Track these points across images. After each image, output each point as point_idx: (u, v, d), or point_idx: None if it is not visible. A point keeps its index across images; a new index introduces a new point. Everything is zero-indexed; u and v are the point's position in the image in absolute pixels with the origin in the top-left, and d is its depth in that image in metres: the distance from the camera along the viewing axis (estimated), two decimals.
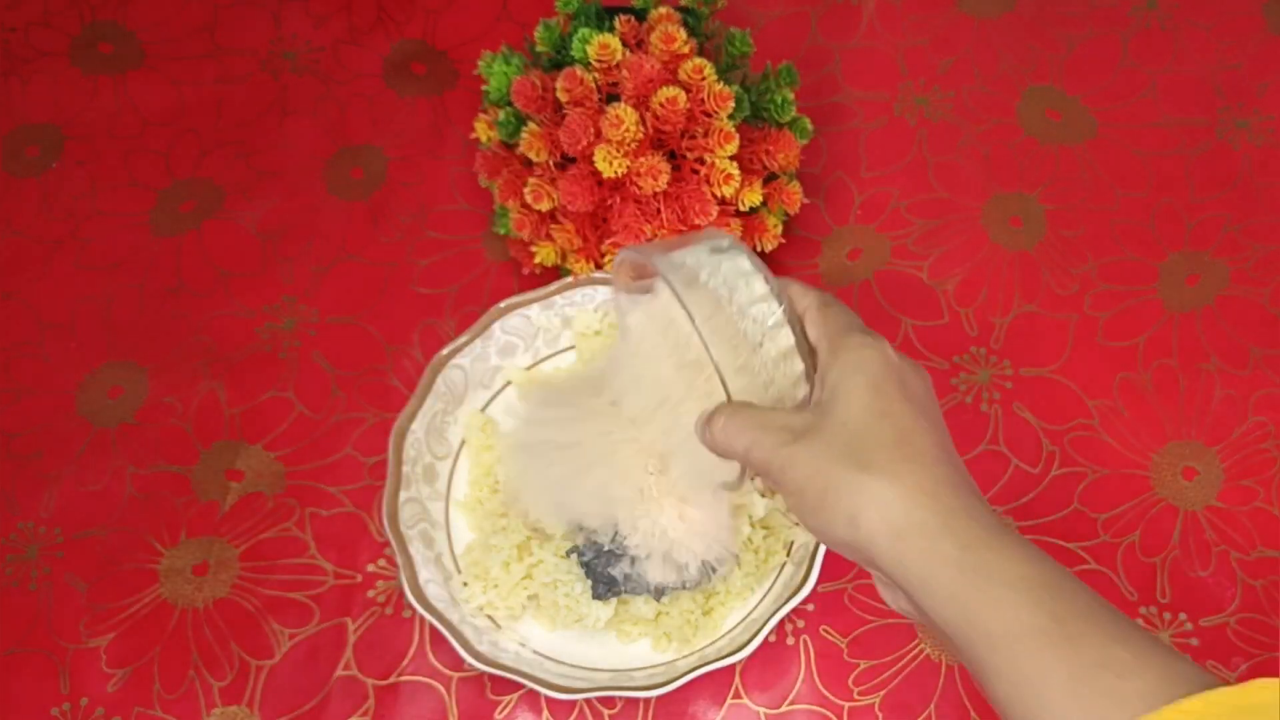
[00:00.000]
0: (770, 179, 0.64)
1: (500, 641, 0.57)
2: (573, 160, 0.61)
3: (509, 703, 0.58)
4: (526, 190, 0.61)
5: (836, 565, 0.60)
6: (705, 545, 0.56)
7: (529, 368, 0.64)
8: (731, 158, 0.59)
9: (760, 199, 0.62)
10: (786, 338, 0.42)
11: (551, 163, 0.62)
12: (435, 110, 0.75)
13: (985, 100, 0.74)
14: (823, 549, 0.57)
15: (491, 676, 0.57)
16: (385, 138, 0.74)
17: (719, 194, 0.60)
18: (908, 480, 0.37)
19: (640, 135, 0.58)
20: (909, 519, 0.37)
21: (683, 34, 0.59)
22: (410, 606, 0.58)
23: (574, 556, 0.57)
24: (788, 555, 0.59)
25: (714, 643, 0.57)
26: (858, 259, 0.69)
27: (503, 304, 0.62)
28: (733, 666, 0.57)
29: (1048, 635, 0.34)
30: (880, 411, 0.39)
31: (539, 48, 0.64)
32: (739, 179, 0.60)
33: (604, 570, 0.56)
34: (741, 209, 0.61)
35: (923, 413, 0.39)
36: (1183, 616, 0.59)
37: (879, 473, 0.37)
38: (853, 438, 0.38)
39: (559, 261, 0.64)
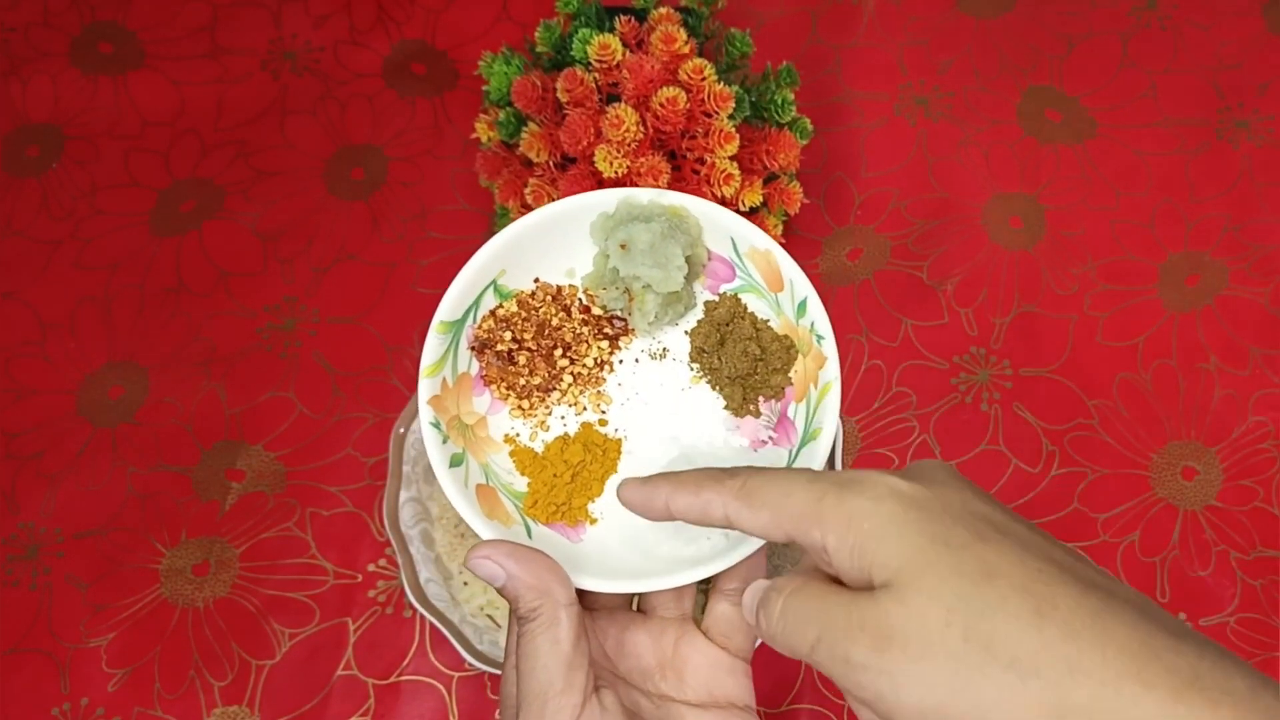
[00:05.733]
0: (770, 179, 0.64)
1: (501, 641, 0.57)
2: (573, 160, 0.61)
3: None
4: (527, 190, 0.61)
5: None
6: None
7: None
8: (732, 158, 0.59)
9: (760, 199, 0.62)
10: None
11: (552, 163, 0.62)
12: (435, 110, 0.75)
13: (985, 100, 0.74)
14: None
15: (492, 676, 0.57)
16: (385, 138, 0.74)
17: (719, 194, 0.60)
18: (1091, 667, 0.27)
19: (640, 135, 0.58)
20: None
21: (683, 34, 0.60)
22: (411, 606, 0.58)
23: None
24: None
25: None
26: (858, 259, 0.69)
27: None
28: None
29: None
30: (980, 573, 0.29)
31: (539, 48, 0.64)
32: (739, 179, 0.60)
33: None
34: (741, 209, 0.61)
35: (1021, 543, 0.30)
36: (1182, 616, 0.59)
37: (1048, 671, 0.27)
38: (969, 630, 0.28)
39: None
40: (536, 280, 0.44)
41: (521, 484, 0.43)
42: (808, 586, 0.32)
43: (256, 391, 0.66)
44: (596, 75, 0.60)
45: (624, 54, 0.59)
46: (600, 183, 0.60)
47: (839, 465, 0.59)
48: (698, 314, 0.44)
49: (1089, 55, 0.75)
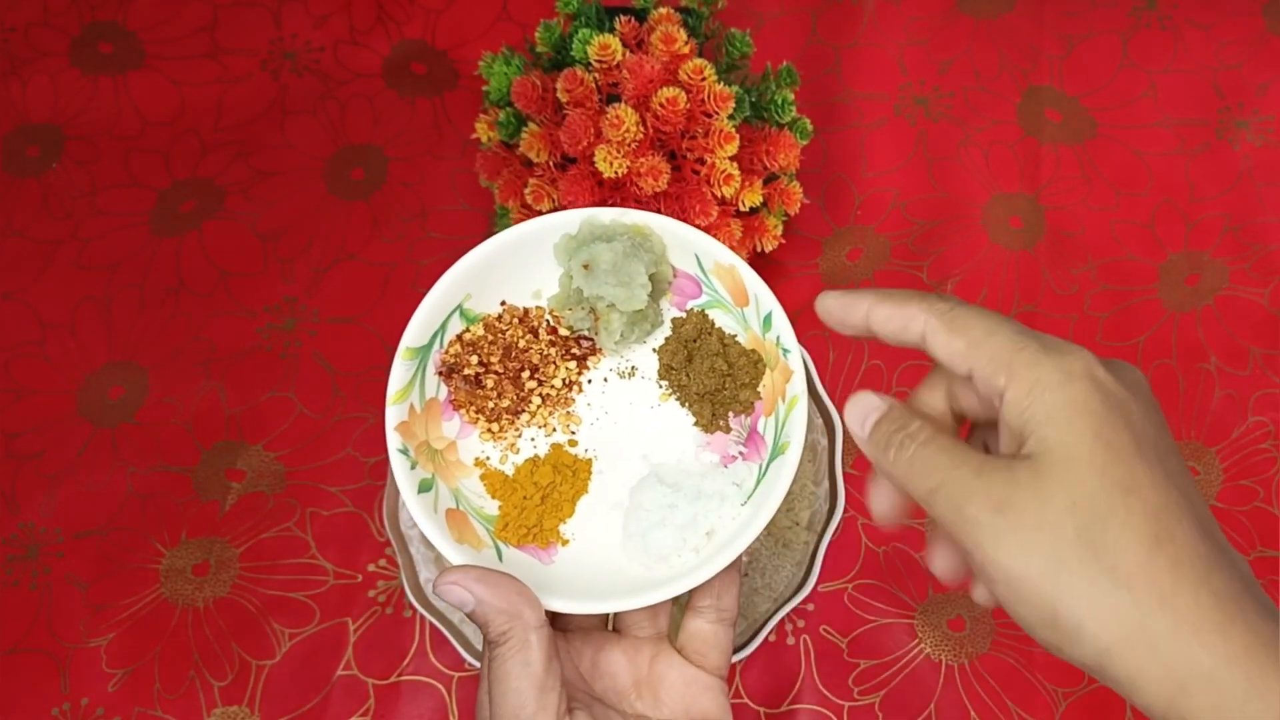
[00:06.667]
0: (770, 179, 0.64)
1: None
2: (573, 160, 0.61)
3: None
4: (527, 191, 0.61)
5: (836, 565, 0.60)
6: None
7: None
8: (732, 158, 0.59)
9: (760, 199, 0.62)
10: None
11: (552, 163, 0.62)
12: (435, 110, 0.75)
13: (985, 100, 0.74)
14: (823, 549, 0.57)
15: None
16: (385, 138, 0.74)
17: (719, 194, 0.60)
18: (1181, 604, 0.28)
19: (640, 136, 0.58)
20: (1194, 666, 0.27)
21: (683, 34, 0.60)
22: (411, 606, 0.58)
23: None
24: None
25: None
26: (858, 259, 0.69)
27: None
28: (733, 666, 0.57)
29: None
30: (1121, 484, 0.29)
31: (539, 48, 0.64)
32: (739, 179, 0.60)
33: None
34: (741, 209, 0.61)
35: (1169, 475, 0.30)
36: None
37: (1140, 591, 0.28)
38: (1086, 526, 0.29)
39: None
40: (503, 303, 0.44)
41: (492, 507, 0.43)
42: (939, 439, 0.33)
43: (256, 391, 0.66)
44: (596, 75, 0.60)
45: (624, 54, 0.59)
46: (600, 183, 0.60)
47: (839, 468, 0.59)
48: (665, 331, 0.44)
49: (1089, 55, 0.75)
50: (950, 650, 0.58)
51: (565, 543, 0.43)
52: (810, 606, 0.60)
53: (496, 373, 0.43)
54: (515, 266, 0.44)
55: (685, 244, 0.43)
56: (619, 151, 0.58)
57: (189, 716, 0.58)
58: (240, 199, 0.72)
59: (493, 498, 0.43)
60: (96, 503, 0.63)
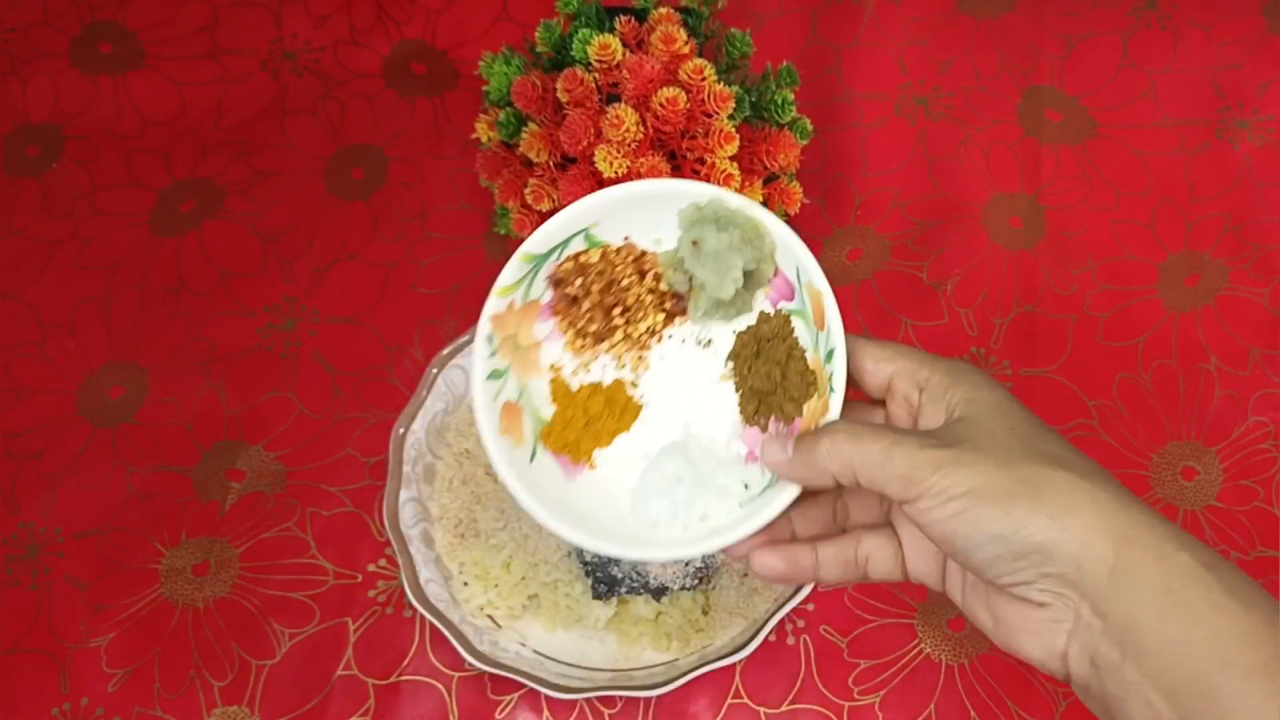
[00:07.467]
0: (770, 179, 0.64)
1: (500, 641, 0.57)
2: (573, 160, 0.61)
3: (509, 702, 0.58)
4: (527, 190, 0.61)
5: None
6: None
7: None
8: (732, 158, 0.59)
9: (760, 199, 0.62)
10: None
11: (552, 163, 0.62)
12: (435, 110, 0.75)
13: (985, 100, 0.74)
14: None
15: (492, 676, 0.57)
16: (385, 138, 0.74)
17: None
18: (1111, 485, 0.34)
19: (640, 135, 0.58)
20: (1134, 524, 0.33)
21: (683, 34, 0.60)
22: (411, 606, 0.58)
23: (574, 556, 0.57)
24: None
25: (714, 643, 0.57)
26: (858, 259, 0.69)
27: None
28: (733, 666, 0.57)
29: None
30: (1038, 424, 0.37)
31: (539, 48, 0.64)
32: (739, 179, 0.60)
33: (604, 570, 0.56)
34: None
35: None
36: None
37: (1081, 472, 0.35)
38: (1027, 441, 0.36)
39: None
40: (626, 238, 0.46)
41: (548, 411, 0.45)
42: (864, 426, 0.38)
43: (256, 391, 0.66)
44: (596, 75, 0.60)
45: (624, 54, 0.59)
46: (600, 183, 0.60)
47: None
48: (751, 320, 0.46)
49: (1089, 55, 0.75)
50: (950, 650, 0.58)
51: (593, 467, 0.45)
52: (810, 606, 0.60)
53: (593, 300, 0.46)
54: (648, 212, 0.46)
55: (791, 254, 0.44)
56: (619, 151, 0.58)
57: (189, 716, 0.58)
58: (240, 199, 0.72)
59: (552, 403, 0.45)
60: (96, 503, 0.63)
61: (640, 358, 0.46)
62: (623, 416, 0.46)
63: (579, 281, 0.46)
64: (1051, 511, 0.34)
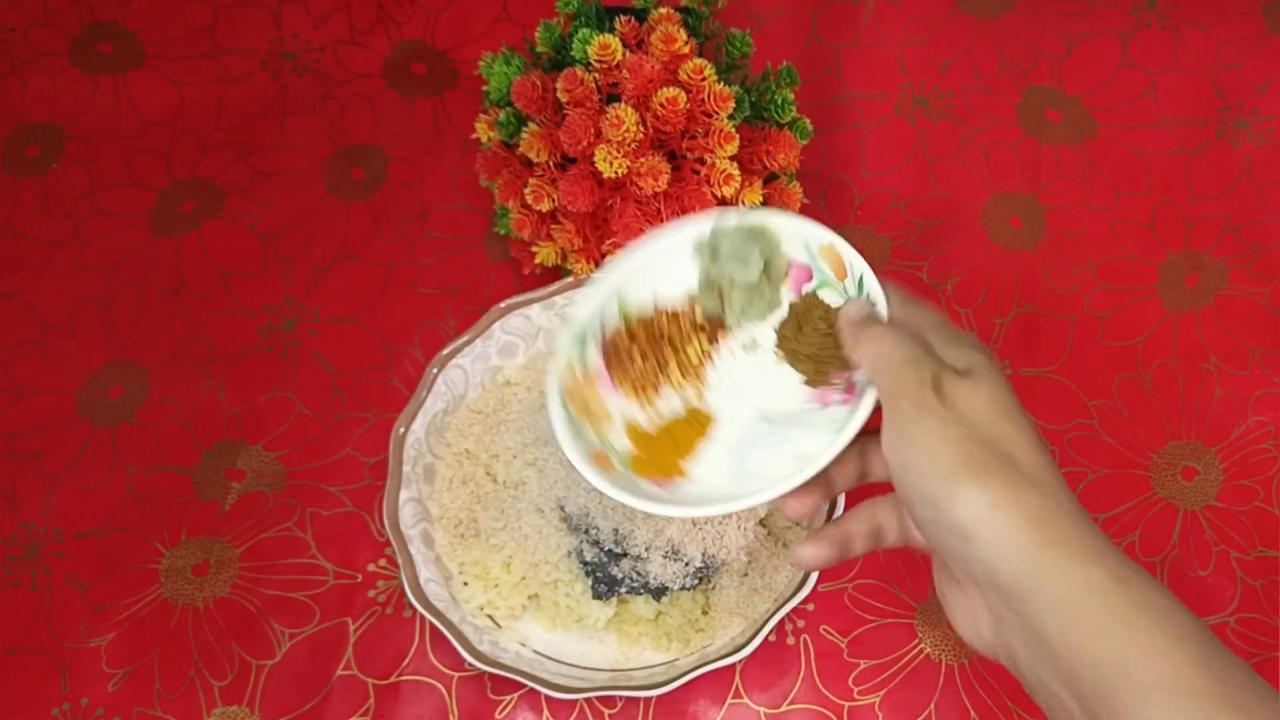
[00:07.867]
0: (770, 179, 0.64)
1: (500, 641, 0.57)
2: (573, 160, 0.61)
3: (509, 702, 0.58)
4: (527, 191, 0.61)
5: (836, 565, 0.60)
6: (707, 544, 0.56)
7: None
8: (732, 158, 0.59)
9: (760, 199, 0.62)
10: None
11: (552, 163, 0.62)
12: (435, 110, 0.75)
13: (985, 100, 0.74)
14: None
15: (492, 676, 0.57)
16: (385, 138, 0.74)
17: (719, 194, 0.60)
18: (1053, 491, 0.35)
19: (640, 135, 0.58)
20: (1058, 533, 0.34)
21: (683, 34, 0.60)
22: (411, 606, 0.58)
23: (574, 556, 0.57)
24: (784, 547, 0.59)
25: (714, 642, 0.57)
26: None
27: (503, 304, 0.62)
28: (733, 666, 0.57)
29: (1212, 699, 0.31)
30: (1018, 409, 0.37)
31: (539, 48, 0.64)
32: (739, 179, 0.60)
33: (605, 570, 0.56)
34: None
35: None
36: None
37: (1026, 472, 0.35)
38: (998, 420, 0.36)
39: (559, 262, 0.64)
40: (654, 296, 0.49)
41: (630, 448, 0.48)
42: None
43: (256, 391, 0.66)
44: (596, 75, 0.60)
45: (624, 54, 0.59)
46: (600, 183, 0.60)
47: None
48: (783, 314, 0.48)
49: (1089, 55, 0.75)
50: (950, 650, 0.58)
51: (685, 477, 0.47)
52: (810, 606, 0.60)
53: (643, 350, 0.49)
54: (661, 263, 0.49)
55: (793, 233, 0.47)
56: (619, 151, 0.58)
57: (189, 716, 0.58)
58: (240, 199, 0.72)
59: (634, 446, 0.48)
60: (96, 503, 0.63)
61: (699, 380, 0.49)
62: (700, 426, 0.48)
63: (629, 347, 0.49)
64: (989, 500, 0.34)
